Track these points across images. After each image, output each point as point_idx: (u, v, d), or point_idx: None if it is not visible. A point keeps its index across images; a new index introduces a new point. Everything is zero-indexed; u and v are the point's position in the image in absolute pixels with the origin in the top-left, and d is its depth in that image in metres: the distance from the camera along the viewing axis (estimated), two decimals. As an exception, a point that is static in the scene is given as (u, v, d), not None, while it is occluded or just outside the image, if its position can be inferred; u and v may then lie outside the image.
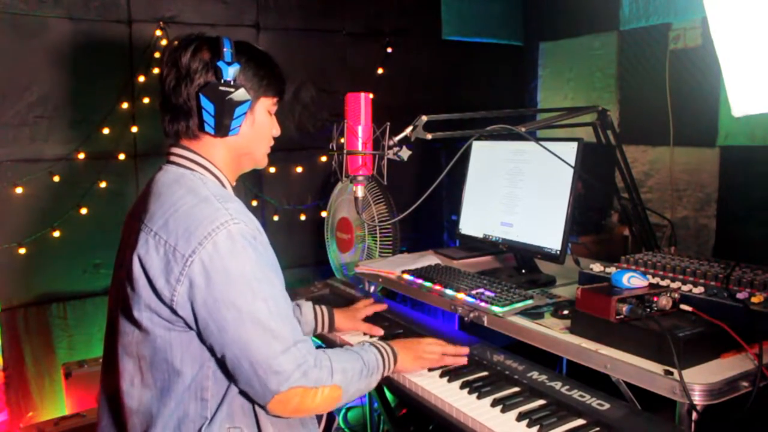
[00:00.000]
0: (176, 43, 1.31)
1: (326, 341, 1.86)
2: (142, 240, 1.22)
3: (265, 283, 1.21)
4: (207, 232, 1.18)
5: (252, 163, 1.42)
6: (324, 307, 1.82)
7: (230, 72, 1.26)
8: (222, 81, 1.26)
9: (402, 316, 1.89)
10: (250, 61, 1.32)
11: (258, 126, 1.37)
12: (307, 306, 1.79)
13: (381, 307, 1.94)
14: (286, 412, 1.25)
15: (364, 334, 1.81)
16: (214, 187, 1.29)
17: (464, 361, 1.57)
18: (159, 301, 1.20)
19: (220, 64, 1.26)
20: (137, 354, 1.26)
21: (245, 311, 1.17)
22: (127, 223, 1.37)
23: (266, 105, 1.38)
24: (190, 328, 1.22)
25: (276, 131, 1.43)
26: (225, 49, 1.27)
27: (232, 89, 1.26)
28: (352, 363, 1.34)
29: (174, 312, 1.20)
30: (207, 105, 1.26)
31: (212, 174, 1.33)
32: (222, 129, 1.29)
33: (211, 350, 1.22)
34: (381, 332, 1.79)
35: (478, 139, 2.11)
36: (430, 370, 1.53)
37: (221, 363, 1.22)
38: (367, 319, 1.86)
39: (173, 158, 1.33)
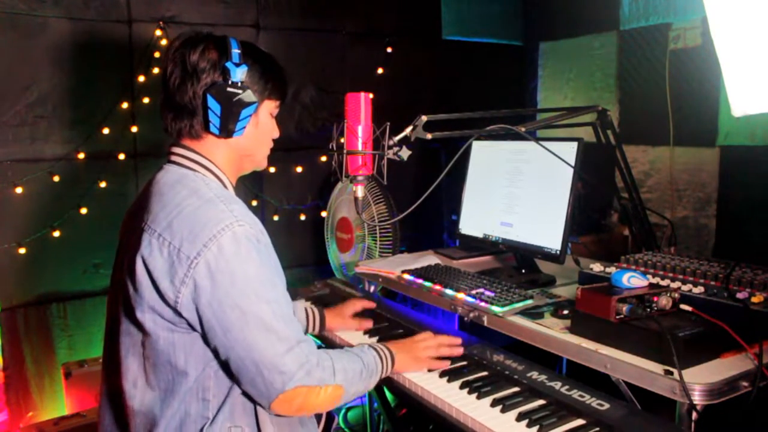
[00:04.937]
0: (182, 40, 1.30)
1: (327, 342, 1.86)
2: (146, 241, 1.21)
3: (268, 285, 1.22)
4: (212, 234, 1.18)
5: (252, 164, 1.42)
6: (315, 308, 1.84)
7: (238, 73, 1.26)
8: (230, 82, 1.25)
9: (402, 316, 1.89)
10: (257, 63, 1.32)
11: (261, 128, 1.37)
12: (299, 306, 1.81)
13: (370, 304, 1.94)
14: (290, 411, 1.25)
15: (358, 330, 1.84)
16: (217, 188, 1.28)
17: (460, 351, 1.58)
18: (162, 303, 1.20)
19: (228, 65, 1.25)
20: (142, 355, 1.26)
21: (249, 313, 1.18)
22: (126, 222, 1.37)
23: (269, 108, 1.38)
24: (194, 329, 1.22)
25: (275, 133, 1.43)
26: (233, 50, 1.26)
27: (239, 90, 1.26)
28: (353, 364, 1.35)
29: (178, 314, 1.20)
30: (213, 105, 1.25)
31: (214, 175, 1.32)
32: (227, 130, 1.28)
33: (215, 352, 1.22)
34: (370, 324, 1.83)
35: (478, 139, 2.11)
36: (429, 370, 1.53)
37: (224, 364, 1.22)
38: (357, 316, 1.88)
39: (174, 158, 1.33)
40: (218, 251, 1.17)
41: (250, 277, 1.19)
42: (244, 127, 1.31)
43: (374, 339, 1.76)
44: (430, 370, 1.53)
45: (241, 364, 1.19)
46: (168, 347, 1.22)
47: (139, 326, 1.23)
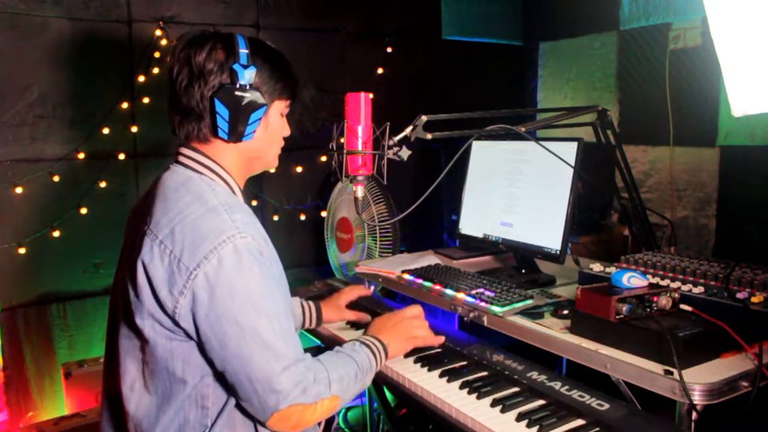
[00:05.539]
0: (188, 39, 1.26)
1: (320, 337, 1.86)
2: (147, 247, 1.19)
3: (269, 300, 1.19)
4: (213, 245, 1.15)
5: (263, 165, 1.40)
6: (311, 302, 1.83)
7: (246, 76, 1.22)
8: (237, 85, 1.22)
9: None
10: (266, 63, 1.28)
11: (271, 129, 1.34)
12: (295, 301, 1.79)
13: (365, 291, 1.93)
14: (287, 428, 1.23)
15: (351, 324, 1.86)
16: (222, 195, 1.25)
17: (441, 340, 1.63)
18: (161, 311, 1.18)
19: (236, 66, 1.22)
20: (141, 359, 1.25)
21: (247, 328, 1.15)
22: (131, 221, 1.34)
23: (280, 108, 1.35)
24: (191, 338, 1.20)
25: (286, 132, 1.40)
26: (241, 50, 1.22)
27: (247, 94, 1.23)
28: (347, 369, 1.33)
29: (176, 323, 1.18)
30: (221, 109, 1.22)
31: (221, 178, 1.30)
32: (236, 134, 1.25)
33: (212, 363, 1.20)
34: (369, 318, 1.81)
35: (478, 139, 2.11)
36: (430, 369, 1.53)
37: (221, 375, 1.21)
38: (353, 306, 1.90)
39: (181, 159, 1.30)
40: (218, 264, 1.14)
41: (251, 291, 1.16)
42: (254, 131, 1.28)
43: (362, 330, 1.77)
44: (430, 369, 1.53)
45: (236, 379, 1.17)
46: (166, 355, 1.21)
47: (139, 332, 1.22)
